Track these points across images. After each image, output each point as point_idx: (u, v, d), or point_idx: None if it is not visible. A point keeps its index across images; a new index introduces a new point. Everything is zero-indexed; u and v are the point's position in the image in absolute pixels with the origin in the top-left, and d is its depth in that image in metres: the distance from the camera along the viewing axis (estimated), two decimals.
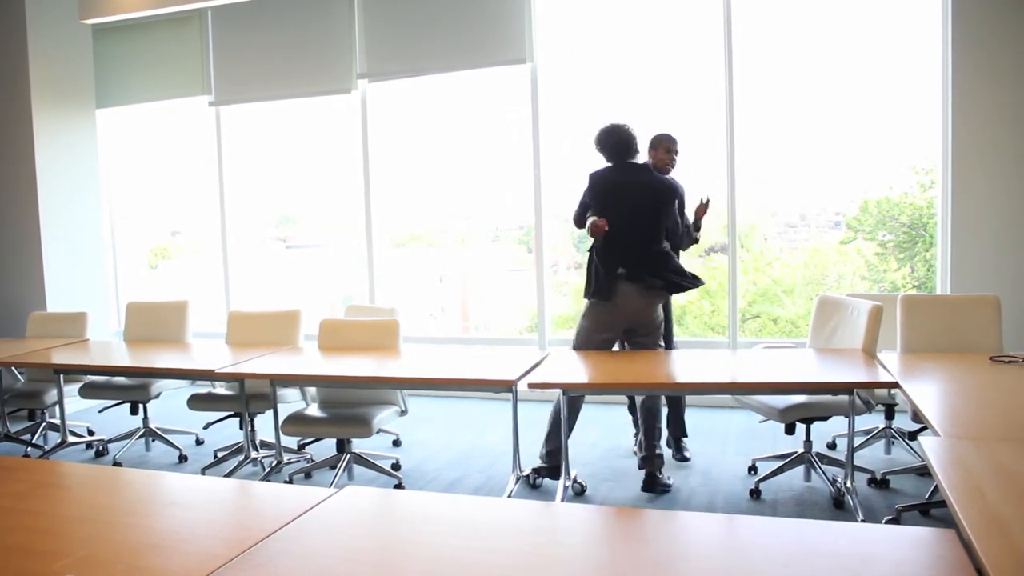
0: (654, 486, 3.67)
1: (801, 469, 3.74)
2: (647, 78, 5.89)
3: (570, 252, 6.60)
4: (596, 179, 3.81)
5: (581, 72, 6.00)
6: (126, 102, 6.62)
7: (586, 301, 3.81)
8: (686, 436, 4.29)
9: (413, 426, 4.87)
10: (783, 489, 3.68)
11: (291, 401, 4.09)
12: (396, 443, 4.62)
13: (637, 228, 3.67)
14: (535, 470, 3.83)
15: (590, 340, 3.81)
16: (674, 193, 3.78)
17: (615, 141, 3.75)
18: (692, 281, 3.77)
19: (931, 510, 3.33)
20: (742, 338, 5.39)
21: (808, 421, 3.53)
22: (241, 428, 4.10)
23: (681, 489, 3.74)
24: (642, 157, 3.91)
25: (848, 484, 3.30)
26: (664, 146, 4.02)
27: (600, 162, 3.86)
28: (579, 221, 3.96)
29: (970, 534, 1.41)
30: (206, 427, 4.79)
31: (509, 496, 3.48)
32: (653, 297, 3.72)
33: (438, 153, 6.72)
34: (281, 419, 3.74)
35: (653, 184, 3.74)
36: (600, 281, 3.69)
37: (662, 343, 3.92)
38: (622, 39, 5.76)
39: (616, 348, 3.97)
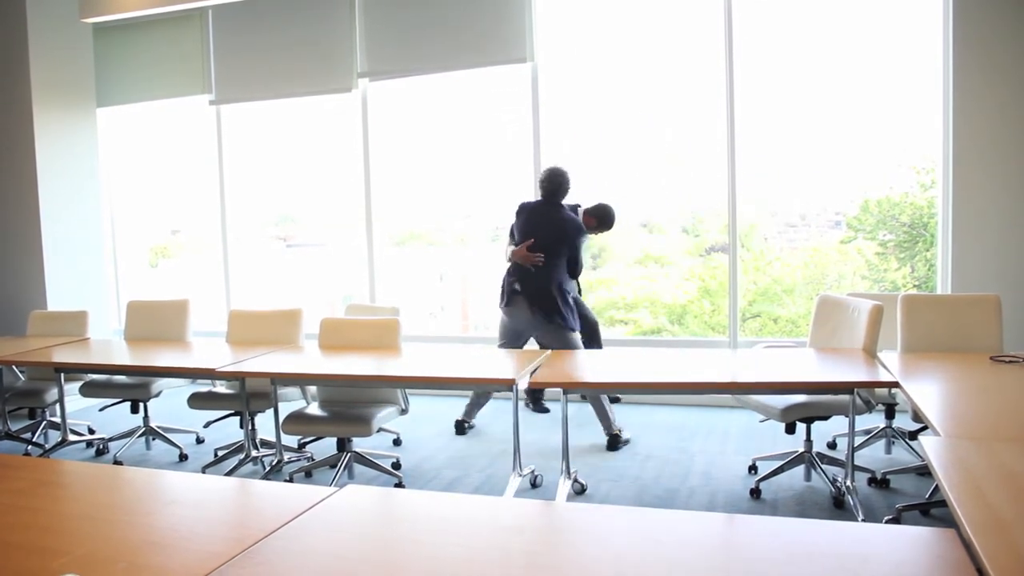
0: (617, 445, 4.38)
1: (801, 468, 3.75)
2: (648, 77, 5.90)
3: None
4: (525, 208, 4.59)
5: (581, 71, 6.00)
6: (127, 101, 6.62)
7: None
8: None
9: (413, 425, 4.87)
10: (783, 489, 3.68)
11: (292, 400, 4.09)
12: (396, 442, 4.62)
13: (545, 256, 4.41)
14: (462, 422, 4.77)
15: (502, 340, 4.62)
16: (581, 231, 4.55)
17: (557, 185, 4.50)
18: (561, 318, 4.40)
19: (931, 510, 3.33)
20: (742, 337, 5.39)
21: (808, 420, 3.53)
22: (241, 427, 4.10)
23: (681, 489, 3.74)
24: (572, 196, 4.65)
25: (848, 484, 3.30)
26: (609, 226, 4.80)
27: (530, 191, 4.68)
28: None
29: (970, 534, 1.41)
30: (206, 426, 4.80)
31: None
32: (535, 313, 4.41)
33: (438, 152, 6.72)
34: (282, 418, 3.74)
35: (567, 222, 4.50)
36: (502, 292, 4.55)
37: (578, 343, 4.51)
38: (623, 38, 5.76)
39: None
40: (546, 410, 5.12)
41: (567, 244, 4.46)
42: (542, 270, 4.41)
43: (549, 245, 4.41)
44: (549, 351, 3.84)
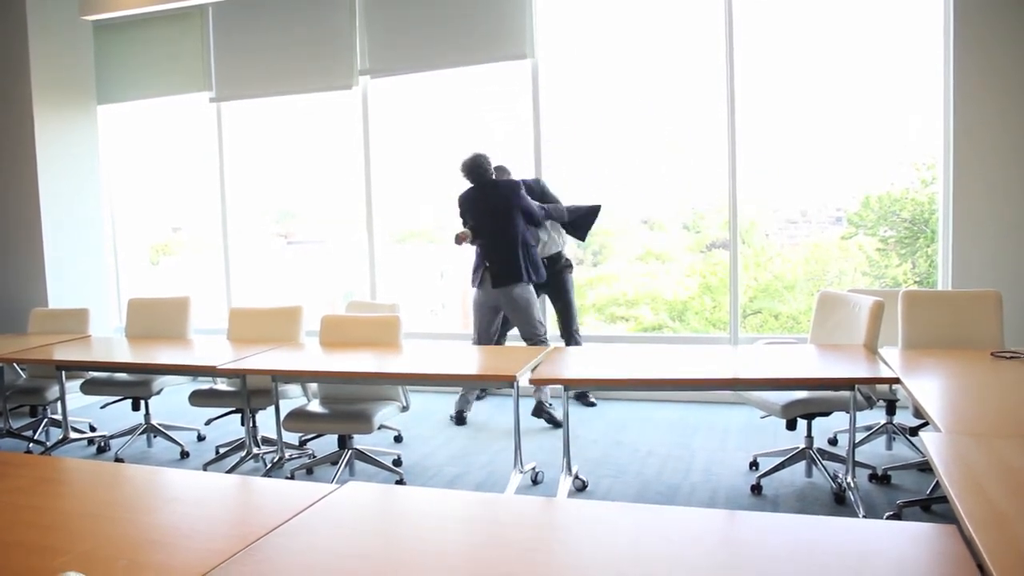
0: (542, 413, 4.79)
1: (802, 465, 3.75)
2: (648, 74, 5.89)
3: (571, 248, 6.60)
4: (464, 199, 4.92)
5: (582, 68, 5.99)
6: (127, 98, 6.61)
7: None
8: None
9: (414, 422, 4.87)
10: (784, 485, 3.68)
11: (293, 397, 4.10)
12: (397, 439, 4.62)
13: (495, 229, 4.76)
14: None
15: (476, 319, 4.91)
16: (517, 186, 4.81)
17: (480, 170, 4.79)
18: (535, 273, 4.81)
19: (932, 506, 3.33)
20: (743, 334, 5.39)
21: (809, 417, 3.53)
22: (243, 424, 4.11)
23: (682, 485, 3.75)
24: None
25: (849, 480, 3.30)
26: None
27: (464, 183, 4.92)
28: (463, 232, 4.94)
29: (971, 530, 1.41)
30: (208, 423, 4.80)
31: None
32: (510, 284, 4.73)
33: (439, 149, 6.71)
34: (283, 415, 3.74)
35: (500, 189, 4.82)
36: (474, 273, 4.87)
37: (539, 326, 4.84)
38: (624, 35, 5.75)
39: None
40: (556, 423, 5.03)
41: (513, 203, 4.77)
42: (505, 240, 4.74)
43: (501, 213, 4.76)
44: (549, 348, 3.84)
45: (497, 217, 4.76)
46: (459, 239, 4.81)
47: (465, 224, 4.91)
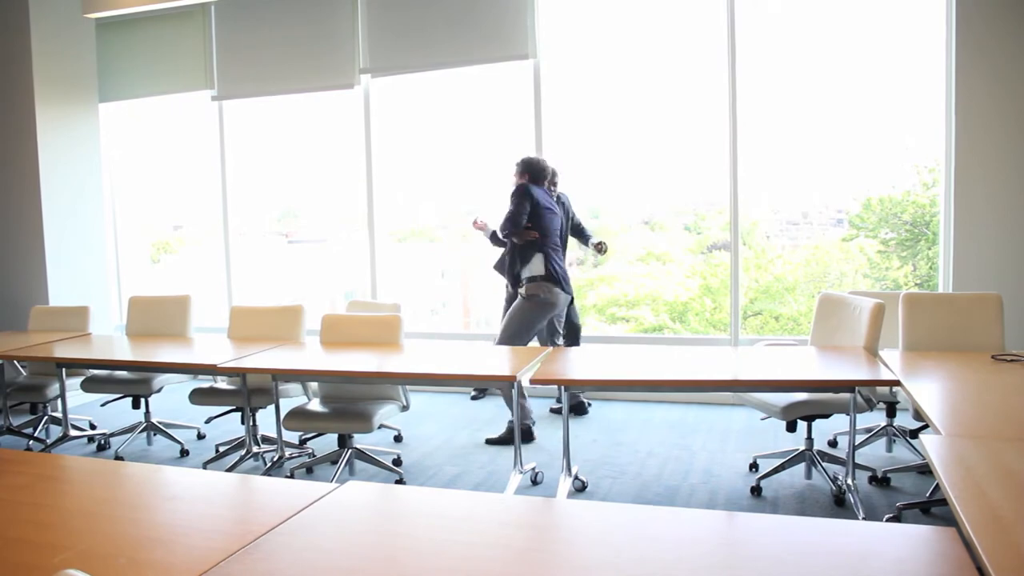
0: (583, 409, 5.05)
1: (802, 467, 3.75)
2: (649, 74, 5.89)
3: (571, 247, 6.60)
4: (534, 194, 4.60)
5: (584, 68, 5.99)
6: (129, 96, 6.61)
7: (522, 300, 4.60)
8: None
9: (414, 421, 4.87)
10: (784, 486, 3.68)
11: (293, 396, 4.10)
12: (397, 438, 4.62)
13: (563, 239, 4.84)
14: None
15: (531, 326, 4.60)
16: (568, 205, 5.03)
17: (544, 174, 4.74)
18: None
19: (932, 508, 3.33)
20: (744, 335, 5.39)
21: (809, 419, 3.53)
22: (243, 423, 4.11)
23: (682, 486, 3.75)
24: None
25: (849, 482, 3.30)
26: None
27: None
28: (519, 225, 4.56)
29: (971, 532, 1.41)
30: (208, 421, 4.80)
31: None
32: (565, 292, 4.68)
33: (440, 148, 6.72)
34: (283, 414, 3.74)
35: (564, 200, 4.97)
36: (558, 279, 4.61)
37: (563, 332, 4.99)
38: (626, 35, 5.75)
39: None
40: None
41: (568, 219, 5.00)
42: (565, 250, 4.85)
43: (565, 223, 4.88)
44: (549, 348, 3.84)
45: (563, 226, 4.82)
46: (528, 234, 4.56)
47: (528, 218, 4.55)
